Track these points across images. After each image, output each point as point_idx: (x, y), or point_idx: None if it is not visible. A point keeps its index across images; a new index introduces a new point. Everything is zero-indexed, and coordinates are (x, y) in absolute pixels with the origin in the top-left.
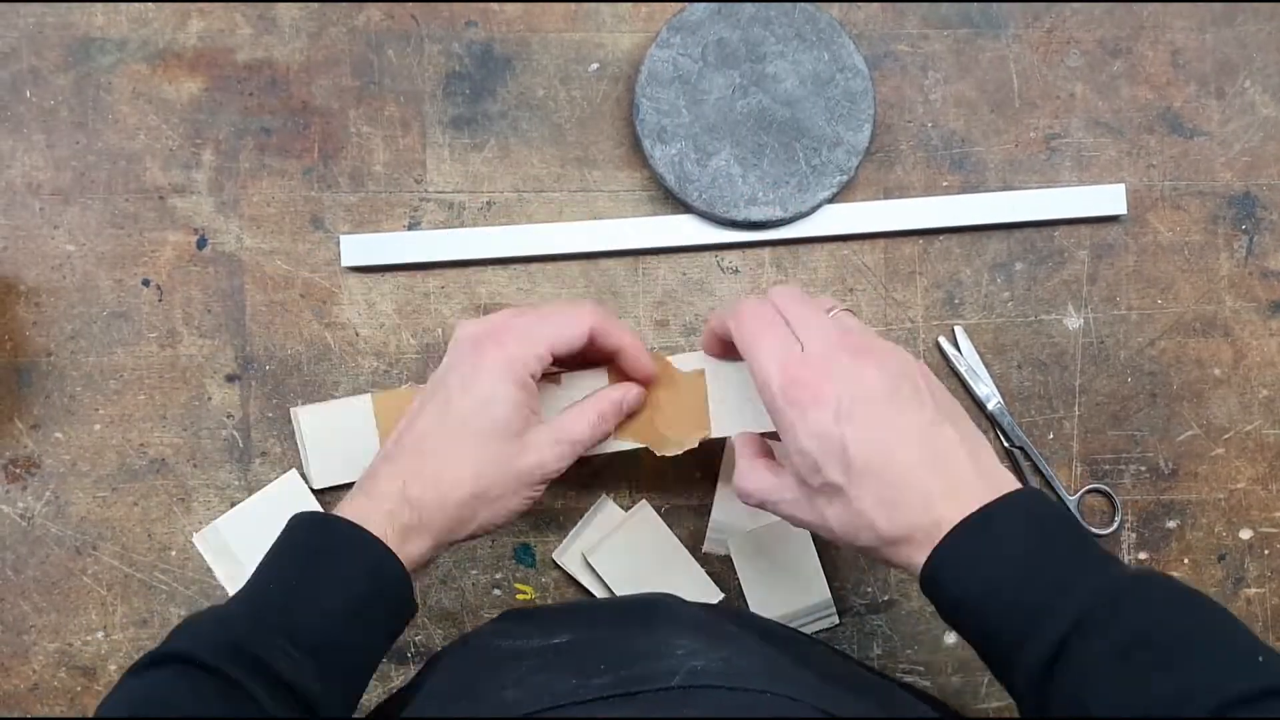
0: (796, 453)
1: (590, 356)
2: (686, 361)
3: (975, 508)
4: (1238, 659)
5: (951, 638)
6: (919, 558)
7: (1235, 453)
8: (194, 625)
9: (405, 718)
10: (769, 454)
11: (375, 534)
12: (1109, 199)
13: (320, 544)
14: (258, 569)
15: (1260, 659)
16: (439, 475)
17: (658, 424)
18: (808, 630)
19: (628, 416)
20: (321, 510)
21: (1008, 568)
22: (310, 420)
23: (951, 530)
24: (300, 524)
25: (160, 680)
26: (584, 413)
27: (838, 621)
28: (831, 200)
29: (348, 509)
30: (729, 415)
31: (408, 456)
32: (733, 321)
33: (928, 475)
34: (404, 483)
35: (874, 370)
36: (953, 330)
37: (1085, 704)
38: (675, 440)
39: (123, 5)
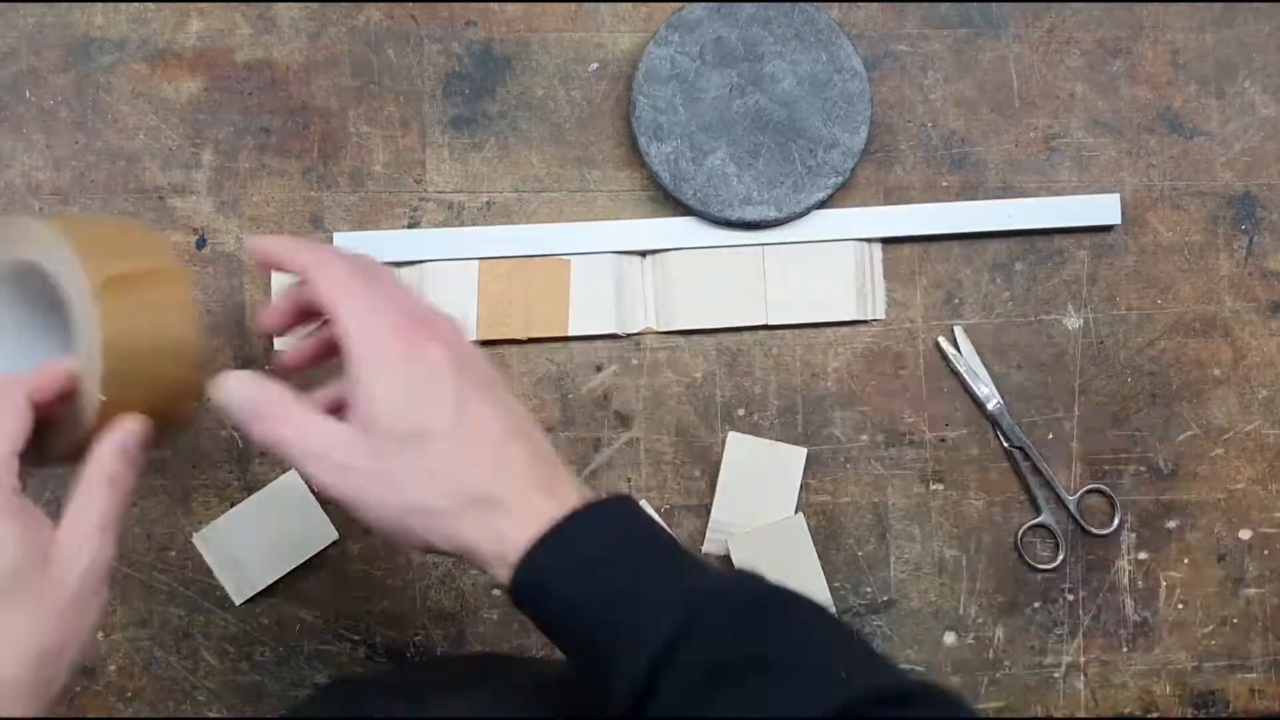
0: (390, 393)
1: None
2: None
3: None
4: (854, 663)
5: (951, 638)
6: (509, 538)
7: (1235, 453)
8: None
9: None
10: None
11: None
12: (1103, 209)
13: None
14: None
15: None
16: None
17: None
18: None
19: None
20: None
21: (609, 572)
22: None
23: (543, 537)
24: None
25: None
26: (88, 496)
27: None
28: (826, 202)
29: None
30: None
31: None
32: (313, 270)
33: (523, 454)
34: None
35: (467, 340)
36: (952, 330)
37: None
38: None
39: (122, 5)
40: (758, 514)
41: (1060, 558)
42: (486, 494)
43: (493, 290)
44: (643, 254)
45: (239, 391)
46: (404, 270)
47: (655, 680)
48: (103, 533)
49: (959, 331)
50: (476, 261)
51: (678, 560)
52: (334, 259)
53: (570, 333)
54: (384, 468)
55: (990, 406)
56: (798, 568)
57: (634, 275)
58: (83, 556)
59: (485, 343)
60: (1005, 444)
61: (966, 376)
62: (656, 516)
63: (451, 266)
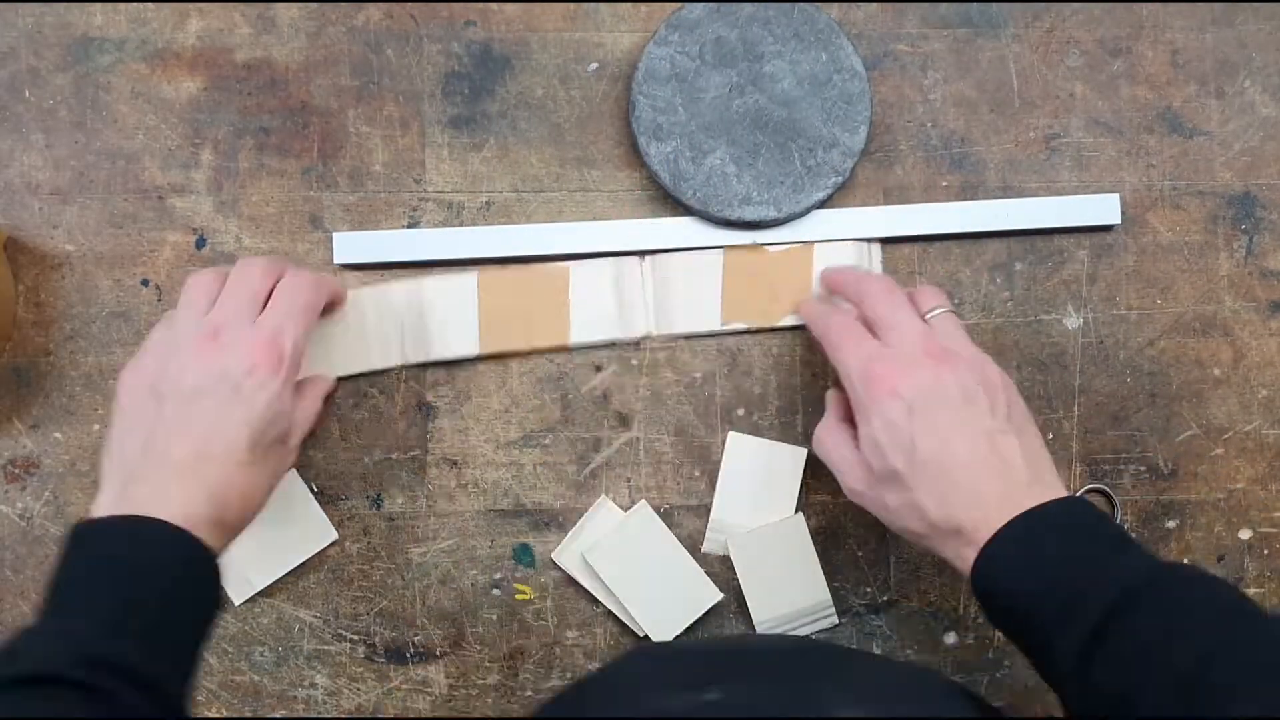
0: (869, 438)
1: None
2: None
3: (1026, 508)
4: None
5: (951, 638)
6: (967, 553)
7: (1235, 453)
8: (34, 644)
9: None
10: (852, 421)
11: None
12: (1103, 209)
13: (130, 549)
14: (64, 583)
15: None
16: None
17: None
18: (806, 631)
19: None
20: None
21: (1052, 561)
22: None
23: (1003, 528)
24: (100, 531)
25: (28, 704)
26: (309, 401)
27: (837, 622)
28: (826, 201)
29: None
30: None
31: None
32: (819, 328)
33: (984, 477)
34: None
35: (949, 375)
36: None
37: (1129, 679)
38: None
39: (121, 5)
40: (758, 514)
41: None
42: (947, 523)
43: (492, 303)
44: (641, 255)
45: (831, 444)
46: (403, 285)
47: (1089, 655)
48: (309, 424)
49: None
50: (475, 274)
51: (1113, 548)
52: (836, 321)
53: (571, 342)
54: (878, 496)
55: None
56: (797, 568)
57: (634, 280)
58: (296, 436)
59: (489, 356)
60: None
61: None
62: (656, 517)
63: (450, 280)
